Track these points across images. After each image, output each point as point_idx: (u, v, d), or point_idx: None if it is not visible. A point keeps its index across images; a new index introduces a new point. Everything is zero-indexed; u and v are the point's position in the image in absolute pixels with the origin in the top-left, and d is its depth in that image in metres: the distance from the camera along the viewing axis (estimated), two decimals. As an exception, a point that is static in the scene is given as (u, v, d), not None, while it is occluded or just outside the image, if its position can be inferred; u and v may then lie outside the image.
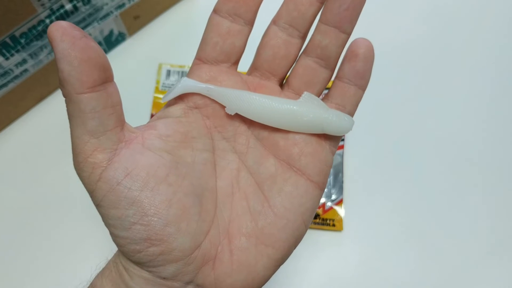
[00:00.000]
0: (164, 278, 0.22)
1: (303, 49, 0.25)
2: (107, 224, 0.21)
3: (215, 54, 0.23)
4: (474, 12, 0.53)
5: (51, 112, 0.48)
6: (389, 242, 0.44)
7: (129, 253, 0.21)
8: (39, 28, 0.40)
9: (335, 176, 0.45)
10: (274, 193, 0.23)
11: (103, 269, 0.24)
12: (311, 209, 0.24)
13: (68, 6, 0.41)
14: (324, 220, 0.43)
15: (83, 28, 0.44)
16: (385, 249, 0.44)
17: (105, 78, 0.20)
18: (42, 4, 0.38)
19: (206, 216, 0.22)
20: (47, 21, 0.40)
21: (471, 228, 0.44)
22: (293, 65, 0.25)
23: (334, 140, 0.25)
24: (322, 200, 0.44)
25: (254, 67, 0.25)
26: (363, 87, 0.24)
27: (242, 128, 0.24)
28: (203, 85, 0.23)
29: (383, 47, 0.51)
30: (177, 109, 0.24)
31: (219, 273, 0.22)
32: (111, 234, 0.21)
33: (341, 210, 0.44)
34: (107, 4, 0.44)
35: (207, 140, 0.24)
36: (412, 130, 0.48)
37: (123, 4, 0.46)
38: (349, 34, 0.23)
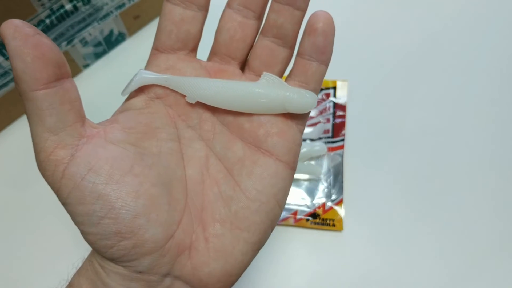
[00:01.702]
0: (140, 272, 0.21)
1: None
2: (76, 222, 0.21)
3: (171, 42, 0.23)
4: (473, 12, 0.53)
5: (51, 112, 0.48)
6: (389, 242, 0.44)
7: (101, 250, 0.21)
8: (39, 28, 0.40)
9: (335, 176, 0.45)
10: (244, 177, 0.23)
11: (80, 268, 0.23)
12: (283, 189, 0.24)
13: (68, 6, 0.41)
14: (324, 220, 0.43)
15: (83, 28, 0.44)
16: (385, 249, 0.44)
17: (60, 74, 0.20)
18: (42, 4, 0.38)
19: (176, 205, 0.22)
20: (47, 21, 0.40)
21: (472, 228, 0.44)
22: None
23: (301, 118, 0.24)
24: (322, 200, 0.44)
25: (213, 53, 0.25)
26: (325, 62, 0.23)
27: (206, 114, 0.24)
28: (160, 76, 0.23)
29: (383, 48, 0.51)
30: (138, 100, 0.23)
31: (196, 262, 0.22)
32: (81, 232, 0.21)
33: (341, 210, 0.44)
34: (107, 4, 0.44)
35: (171, 130, 0.23)
36: (413, 130, 0.48)
37: (123, 4, 0.46)
38: (304, 11, 0.23)
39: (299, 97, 0.23)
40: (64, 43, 0.44)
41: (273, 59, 0.24)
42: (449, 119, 0.48)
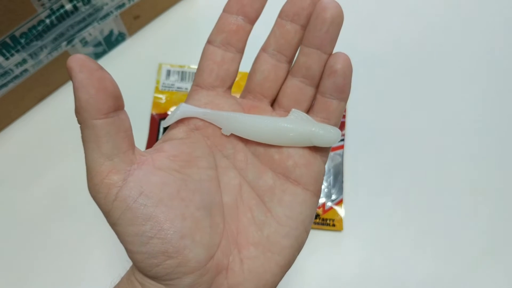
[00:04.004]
0: None
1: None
2: (124, 242, 0.22)
3: (211, 80, 0.26)
4: (469, 12, 0.53)
5: (51, 112, 0.48)
6: (389, 242, 0.44)
7: (146, 268, 0.22)
8: (39, 28, 0.40)
9: (335, 176, 0.45)
10: (275, 204, 0.25)
11: (117, 286, 0.25)
12: (310, 216, 0.26)
13: (68, 6, 0.41)
14: (324, 220, 0.43)
15: (83, 28, 0.44)
16: (385, 249, 0.44)
17: (118, 106, 0.22)
18: (42, 4, 0.38)
19: (216, 228, 0.24)
20: (47, 21, 0.40)
21: (471, 227, 0.44)
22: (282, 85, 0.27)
23: (324, 150, 0.27)
24: (322, 200, 0.44)
25: (247, 91, 0.27)
26: (344, 99, 0.26)
27: (240, 146, 0.26)
28: (200, 110, 0.25)
29: (383, 48, 0.51)
30: (179, 131, 0.25)
31: (232, 282, 0.24)
32: (128, 251, 0.22)
33: (341, 210, 0.44)
34: (107, 4, 0.44)
35: (210, 159, 0.25)
36: (412, 130, 0.48)
37: (123, 4, 0.46)
38: (330, 54, 0.25)
39: (324, 132, 0.25)
40: (64, 43, 0.44)
41: (301, 97, 0.26)
42: (450, 119, 0.48)
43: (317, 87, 0.26)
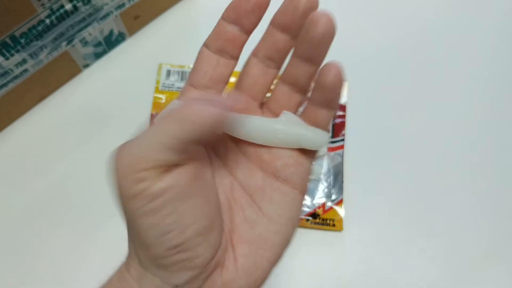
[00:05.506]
0: (176, 286, 0.23)
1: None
2: (140, 231, 0.22)
3: (205, 81, 0.26)
4: (469, 12, 0.53)
5: (51, 112, 0.48)
6: (389, 242, 0.44)
7: (155, 256, 0.22)
8: (39, 28, 0.40)
9: (335, 176, 0.45)
10: (266, 203, 0.26)
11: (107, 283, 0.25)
12: (297, 213, 0.27)
13: (68, 6, 0.41)
14: (324, 220, 0.43)
15: (83, 28, 0.44)
16: (385, 249, 0.44)
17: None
18: (42, 4, 0.38)
19: (220, 227, 0.24)
20: (47, 21, 0.40)
21: (472, 227, 0.44)
22: (271, 89, 0.27)
23: (313, 152, 0.27)
24: (322, 200, 0.44)
25: (237, 92, 0.27)
26: (334, 108, 0.26)
27: (230, 145, 0.27)
28: None
29: (383, 48, 0.51)
30: None
31: (226, 279, 0.24)
32: (142, 241, 0.22)
33: (341, 210, 0.44)
34: (107, 4, 0.44)
35: (207, 158, 0.25)
36: (412, 130, 0.48)
37: (123, 4, 0.46)
38: (319, 65, 0.25)
39: (313, 136, 0.25)
40: (64, 43, 0.44)
41: (289, 103, 0.27)
42: (449, 119, 0.48)
43: (305, 93, 0.26)
